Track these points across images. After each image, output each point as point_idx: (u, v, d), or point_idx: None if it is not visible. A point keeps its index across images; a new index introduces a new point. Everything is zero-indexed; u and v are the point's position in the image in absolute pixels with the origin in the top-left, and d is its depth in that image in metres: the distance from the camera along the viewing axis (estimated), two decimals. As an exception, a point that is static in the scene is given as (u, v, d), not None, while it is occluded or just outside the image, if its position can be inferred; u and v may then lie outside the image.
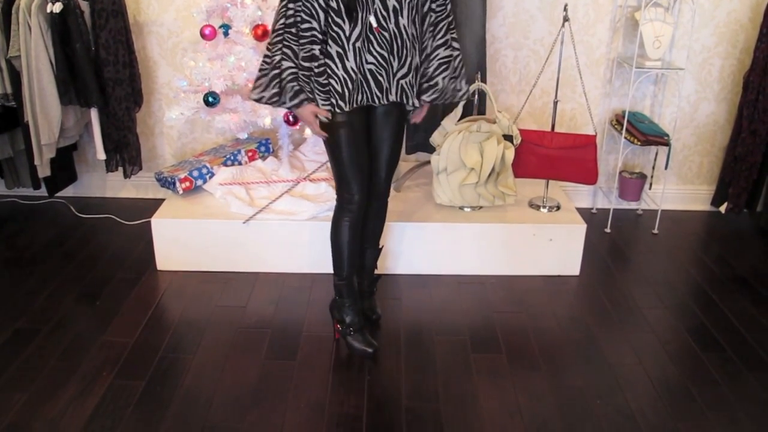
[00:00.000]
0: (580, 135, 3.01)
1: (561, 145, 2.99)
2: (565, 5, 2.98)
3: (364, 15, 2.15)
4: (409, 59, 2.24)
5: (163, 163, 3.64)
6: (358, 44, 2.17)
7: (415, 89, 2.29)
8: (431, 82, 2.30)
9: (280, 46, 2.17)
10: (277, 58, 2.18)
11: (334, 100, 2.21)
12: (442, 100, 2.36)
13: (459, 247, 2.97)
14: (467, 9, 3.05)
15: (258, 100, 2.24)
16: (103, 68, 3.15)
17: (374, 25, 2.16)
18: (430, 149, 3.02)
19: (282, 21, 2.16)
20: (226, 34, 2.95)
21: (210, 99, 2.88)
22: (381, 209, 2.54)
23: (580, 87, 3.19)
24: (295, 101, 2.20)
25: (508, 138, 2.90)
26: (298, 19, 2.14)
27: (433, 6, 2.26)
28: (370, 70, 2.21)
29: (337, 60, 2.18)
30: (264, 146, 3.41)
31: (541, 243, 2.98)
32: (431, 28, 2.28)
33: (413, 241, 2.95)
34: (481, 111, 3.10)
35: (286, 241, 2.93)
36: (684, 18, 3.42)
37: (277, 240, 2.93)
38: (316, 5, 2.13)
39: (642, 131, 3.31)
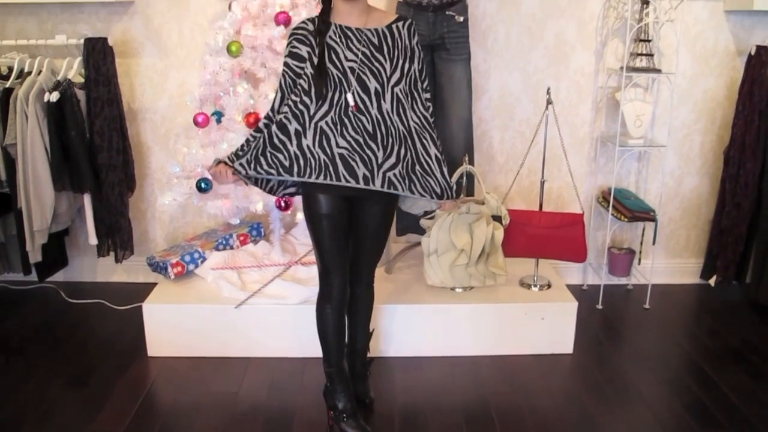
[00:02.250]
0: (567, 214, 3.06)
1: (549, 224, 3.03)
2: (548, 88, 3.08)
3: (337, 95, 2.18)
4: (396, 148, 2.23)
5: (154, 247, 3.65)
6: (321, 124, 2.18)
7: (414, 180, 2.26)
8: (443, 184, 2.31)
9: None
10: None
11: (274, 170, 2.19)
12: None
13: (451, 328, 2.97)
14: (453, 92, 3.13)
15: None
16: (97, 154, 3.21)
17: (351, 103, 2.18)
18: (420, 231, 3.05)
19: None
20: (218, 121, 3.02)
21: (203, 185, 2.92)
22: (367, 295, 2.55)
23: (565, 166, 3.26)
24: (222, 159, 2.26)
25: (497, 218, 2.95)
26: (273, 103, 2.25)
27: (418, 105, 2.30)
28: (341, 155, 2.19)
29: (293, 137, 2.19)
30: (255, 230, 3.43)
31: (533, 322, 2.98)
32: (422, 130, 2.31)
33: (405, 323, 2.95)
34: (470, 192, 3.15)
35: (278, 325, 2.92)
36: (663, 97, 3.53)
37: (269, 324, 2.92)
38: (281, 86, 2.23)
39: (628, 207, 3.37)
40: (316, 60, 2.19)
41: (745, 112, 3.34)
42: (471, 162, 3.12)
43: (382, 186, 2.22)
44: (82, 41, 3.16)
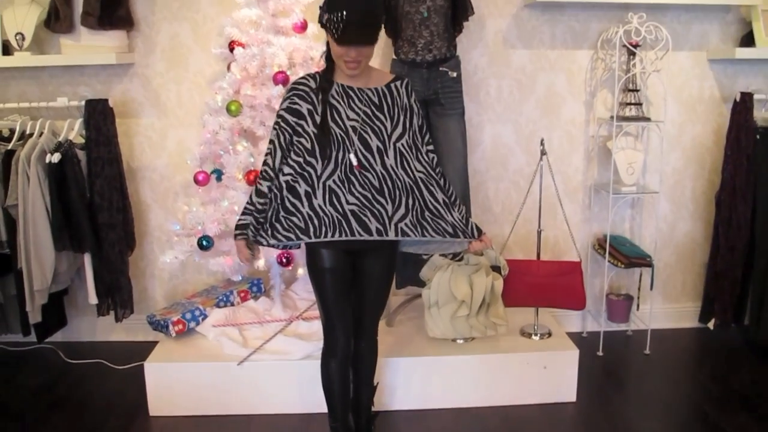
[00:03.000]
0: (565, 262, 3.10)
1: (548, 273, 3.07)
2: (542, 139, 3.15)
3: (341, 154, 2.23)
4: (404, 199, 2.27)
5: (154, 305, 3.65)
6: (330, 183, 2.23)
7: (425, 224, 2.30)
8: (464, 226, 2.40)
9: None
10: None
11: (293, 234, 2.23)
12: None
13: (454, 380, 2.96)
14: (449, 145, 3.19)
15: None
16: (98, 214, 3.24)
17: (354, 163, 2.23)
18: (421, 283, 3.08)
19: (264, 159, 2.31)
20: (219, 179, 3.06)
21: (204, 242, 2.95)
22: (371, 349, 2.56)
23: (561, 214, 3.31)
24: (236, 231, 2.33)
25: (496, 269, 2.98)
26: (267, 159, 2.29)
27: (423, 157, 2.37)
28: (352, 211, 2.23)
29: (303, 199, 2.24)
30: (256, 286, 3.44)
31: (535, 371, 2.98)
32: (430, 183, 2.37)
33: (408, 376, 2.94)
34: (468, 243, 3.19)
35: (281, 381, 2.91)
36: (653, 144, 3.61)
37: (272, 380, 2.91)
38: (276, 143, 2.26)
39: (624, 254, 3.41)
40: (318, 118, 2.23)
41: (734, 157, 3.41)
42: (468, 213, 3.16)
43: (396, 235, 2.26)
44: (83, 103, 3.22)
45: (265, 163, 2.29)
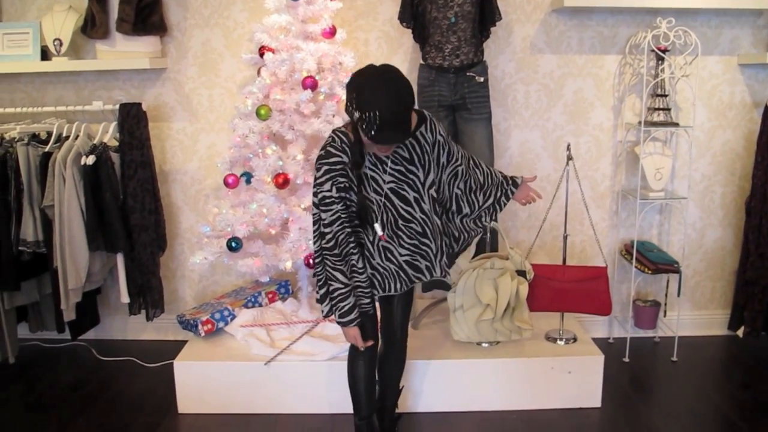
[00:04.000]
0: (591, 267, 3.09)
1: (573, 278, 3.06)
2: (568, 144, 3.15)
3: (385, 217, 2.31)
4: (438, 242, 2.38)
5: (184, 306, 3.72)
6: (380, 244, 2.31)
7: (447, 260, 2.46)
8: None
9: (322, 267, 2.28)
10: (323, 277, 2.29)
11: (367, 291, 2.34)
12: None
13: (479, 383, 2.97)
14: (475, 150, 3.20)
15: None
16: (130, 215, 3.31)
17: (379, 233, 2.28)
18: (446, 287, 3.09)
19: (319, 243, 2.25)
20: (248, 182, 3.11)
21: (233, 244, 3.00)
22: (399, 353, 2.59)
23: (587, 220, 3.30)
24: (345, 320, 2.28)
25: (522, 273, 2.98)
26: (340, 238, 2.23)
27: (455, 169, 2.41)
28: (405, 261, 2.35)
29: (368, 256, 2.33)
30: (284, 288, 3.49)
31: (560, 376, 2.98)
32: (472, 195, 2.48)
33: (433, 379, 2.96)
34: (494, 248, 3.20)
35: (307, 382, 2.95)
36: (682, 150, 3.58)
37: (298, 381, 2.95)
38: (339, 223, 2.22)
39: (652, 260, 3.39)
40: (364, 189, 2.27)
41: (765, 163, 3.37)
42: (495, 218, 3.17)
43: (442, 275, 2.41)
44: (117, 107, 3.30)
45: (329, 243, 2.23)
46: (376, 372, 2.56)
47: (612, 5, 3.32)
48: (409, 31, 3.27)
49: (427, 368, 2.95)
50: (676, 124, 3.42)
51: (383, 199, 2.28)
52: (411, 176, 2.29)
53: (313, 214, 2.25)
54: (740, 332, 3.60)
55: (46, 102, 3.54)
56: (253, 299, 3.36)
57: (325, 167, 2.18)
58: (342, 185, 2.19)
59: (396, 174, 2.28)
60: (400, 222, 2.30)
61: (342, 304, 2.26)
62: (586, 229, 3.57)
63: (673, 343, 3.50)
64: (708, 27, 3.48)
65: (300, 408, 2.98)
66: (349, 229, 2.24)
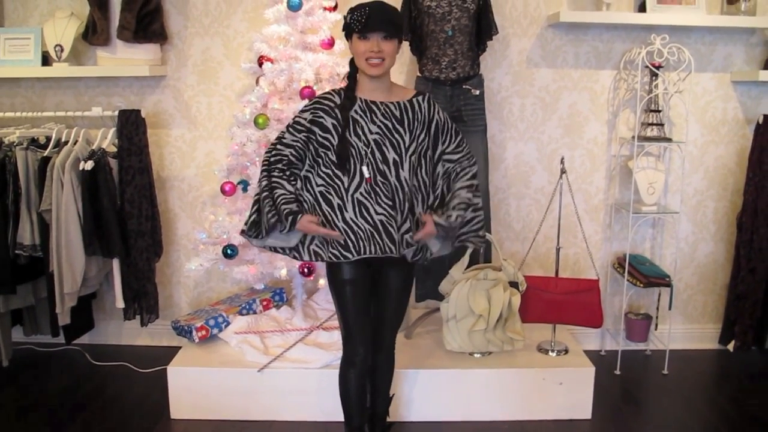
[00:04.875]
0: (583, 279, 3.12)
1: (566, 290, 3.09)
2: (562, 158, 3.19)
3: (364, 167, 2.30)
4: (406, 211, 2.33)
5: (178, 312, 3.73)
6: (357, 195, 2.29)
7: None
8: (446, 214, 2.37)
9: (266, 181, 2.31)
10: (265, 183, 2.32)
11: (336, 252, 2.31)
12: (446, 234, 2.42)
13: (470, 393, 2.99)
14: (470, 161, 3.25)
15: (257, 236, 2.35)
16: (127, 221, 3.33)
17: (366, 176, 2.29)
18: (439, 297, 3.12)
19: (268, 156, 2.33)
20: (245, 190, 3.14)
21: (229, 251, 3.02)
22: (388, 361, 2.61)
23: (580, 233, 3.33)
24: (291, 219, 2.27)
25: (514, 284, 3.01)
26: (287, 160, 2.32)
27: (448, 157, 2.41)
28: (381, 221, 2.30)
29: (337, 211, 2.30)
30: (278, 295, 3.51)
31: (551, 387, 3.00)
32: (455, 172, 2.41)
33: (425, 389, 2.98)
34: (487, 259, 3.23)
35: (300, 389, 2.96)
36: (675, 164, 3.62)
37: (291, 388, 2.96)
38: (304, 145, 2.32)
39: (644, 273, 3.42)
40: (349, 130, 2.30)
41: (756, 179, 3.42)
42: (488, 229, 3.21)
43: (404, 247, 2.34)
44: (116, 113, 3.32)
45: (276, 149, 2.33)
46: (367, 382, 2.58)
47: (607, 21, 3.37)
48: (407, 43, 3.31)
49: (420, 377, 2.97)
50: (670, 140, 3.46)
51: (365, 147, 2.30)
52: (396, 135, 2.32)
53: (280, 132, 2.37)
54: (731, 346, 3.63)
55: (46, 107, 3.56)
56: (247, 306, 3.38)
57: (314, 100, 2.37)
58: (320, 120, 2.31)
59: (382, 128, 2.32)
60: (379, 178, 2.31)
61: (288, 206, 2.27)
62: (579, 242, 3.60)
63: (665, 356, 3.53)
64: (701, 44, 3.53)
65: (293, 415, 2.99)
66: (294, 161, 2.32)
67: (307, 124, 2.32)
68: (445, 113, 2.45)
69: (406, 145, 2.34)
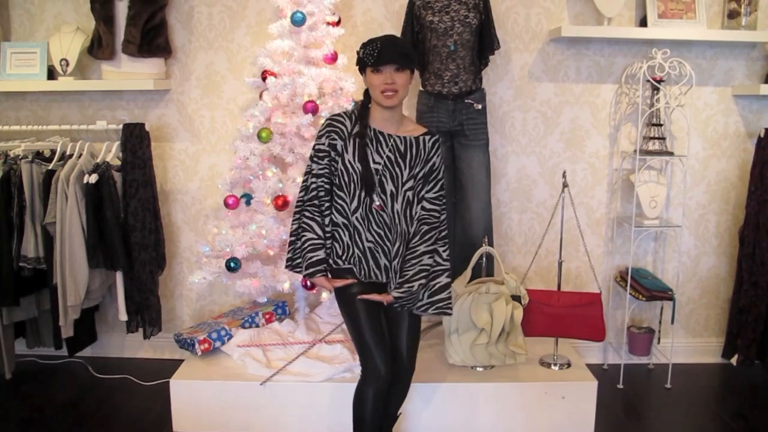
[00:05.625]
0: (585, 293, 3.12)
1: (568, 304, 3.09)
2: (564, 172, 3.20)
3: (363, 193, 2.38)
4: (397, 244, 2.44)
5: (181, 325, 3.74)
6: (353, 219, 2.40)
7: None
8: (407, 284, 2.41)
9: (298, 219, 2.42)
10: (296, 227, 2.43)
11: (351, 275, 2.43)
12: (408, 304, 2.46)
13: (473, 407, 2.99)
14: (472, 176, 3.26)
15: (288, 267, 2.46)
16: (131, 234, 3.34)
17: (376, 203, 2.37)
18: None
19: (301, 196, 2.41)
20: (248, 203, 3.15)
21: (232, 264, 3.03)
22: (405, 386, 2.60)
23: (582, 246, 3.34)
24: (310, 271, 2.39)
25: (516, 298, 3.01)
26: (321, 194, 2.40)
27: (424, 204, 2.45)
28: (369, 248, 2.41)
29: (342, 230, 2.42)
30: (281, 309, 3.51)
31: (554, 401, 3.00)
32: (421, 231, 2.45)
33: (427, 402, 2.97)
34: (489, 273, 3.23)
35: (302, 403, 2.96)
36: (677, 178, 3.63)
37: (294, 401, 2.96)
38: (327, 180, 2.41)
39: (646, 287, 3.42)
40: (348, 156, 2.38)
41: (758, 193, 3.42)
42: (490, 243, 3.21)
43: (396, 275, 2.45)
44: (120, 127, 3.35)
45: (310, 194, 2.42)
46: None
47: (608, 36, 3.39)
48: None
49: (422, 391, 2.97)
50: (671, 153, 3.47)
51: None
52: (397, 169, 2.39)
53: (307, 166, 2.44)
54: (734, 360, 3.62)
55: (51, 120, 3.59)
56: (250, 319, 3.38)
57: (327, 123, 2.43)
58: (334, 141, 2.38)
59: (385, 159, 2.39)
60: (374, 206, 2.40)
61: (312, 255, 2.39)
62: (582, 256, 3.60)
63: (667, 370, 3.52)
64: (702, 58, 3.55)
65: (296, 429, 2.98)
66: (328, 187, 2.41)
67: (327, 149, 2.41)
68: (442, 161, 2.49)
69: (404, 179, 2.41)
